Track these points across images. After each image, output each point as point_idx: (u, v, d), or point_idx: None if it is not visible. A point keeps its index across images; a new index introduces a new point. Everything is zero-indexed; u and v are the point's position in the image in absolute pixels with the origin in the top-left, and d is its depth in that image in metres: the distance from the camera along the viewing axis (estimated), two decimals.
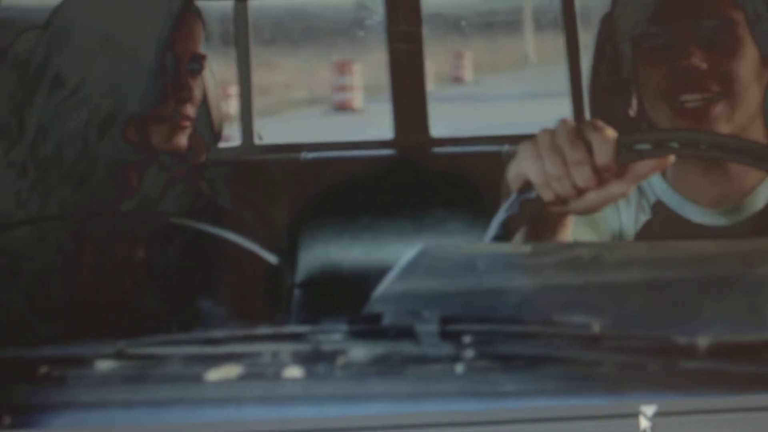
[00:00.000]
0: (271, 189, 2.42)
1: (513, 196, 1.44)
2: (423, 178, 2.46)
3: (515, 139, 2.54)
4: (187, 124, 2.04)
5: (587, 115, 2.31)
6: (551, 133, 1.45)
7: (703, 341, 1.02)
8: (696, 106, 1.78)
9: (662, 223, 1.83)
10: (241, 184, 2.39)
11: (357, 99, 11.98)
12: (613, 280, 1.21)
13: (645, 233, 1.83)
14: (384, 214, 2.37)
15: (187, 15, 2.07)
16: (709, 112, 1.78)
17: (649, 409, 1.00)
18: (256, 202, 2.37)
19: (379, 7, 2.66)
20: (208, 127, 2.27)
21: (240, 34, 2.69)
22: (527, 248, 1.38)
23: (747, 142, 1.48)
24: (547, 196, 1.44)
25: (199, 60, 2.06)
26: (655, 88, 1.83)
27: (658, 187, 1.88)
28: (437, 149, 2.60)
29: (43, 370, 1.10)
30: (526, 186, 1.44)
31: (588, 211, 1.48)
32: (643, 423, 0.99)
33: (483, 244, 1.44)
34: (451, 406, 1.02)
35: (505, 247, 1.40)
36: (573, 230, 1.80)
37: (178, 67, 2.04)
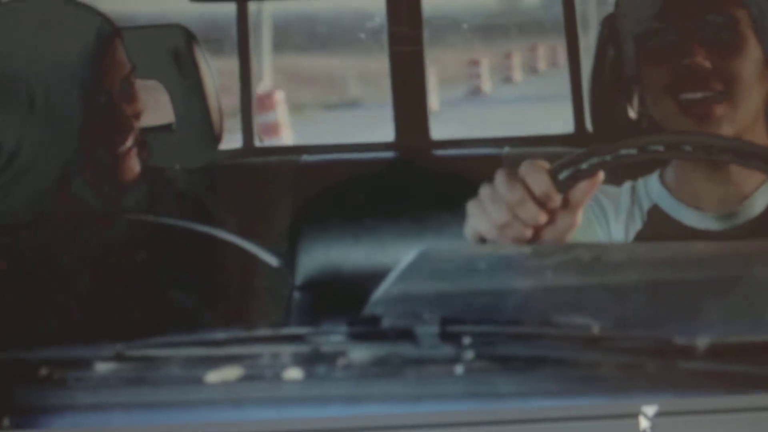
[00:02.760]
0: (271, 191, 2.42)
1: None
2: (424, 180, 2.46)
3: (515, 142, 2.55)
4: (134, 152, 2.00)
5: (588, 118, 2.32)
6: (490, 186, 1.48)
7: (702, 342, 1.02)
8: (699, 104, 1.78)
9: (656, 229, 1.83)
10: (241, 186, 2.39)
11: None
12: (612, 281, 1.21)
13: (638, 241, 1.84)
14: (384, 216, 2.37)
15: (106, 44, 2.01)
16: (713, 111, 1.78)
17: (649, 410, 1.00)
18: (256, 204, 2.37)
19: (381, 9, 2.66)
20: (208, 129, 2.27)
21: (241, 37, 2.69)
22: (527, 250, 1.39)
23: (732, 142, 1.48)
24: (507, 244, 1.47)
25: (128, 80, 2.00)
26: (658, 86, 1.83)
27: (655, 192, 1.88)
28: (438, 152, 2.60)
29: (43, 371, 1.10)
30: (483, 240, 1.47)
31: (563, 234, 1.49)
32: (643, 423, 0.99)
33: (483, 246, 1.44)
34: (450, 407, 1.02)
35: (505, 249, 1.40)
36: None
37: (111, 101, 1.99)
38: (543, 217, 1.45)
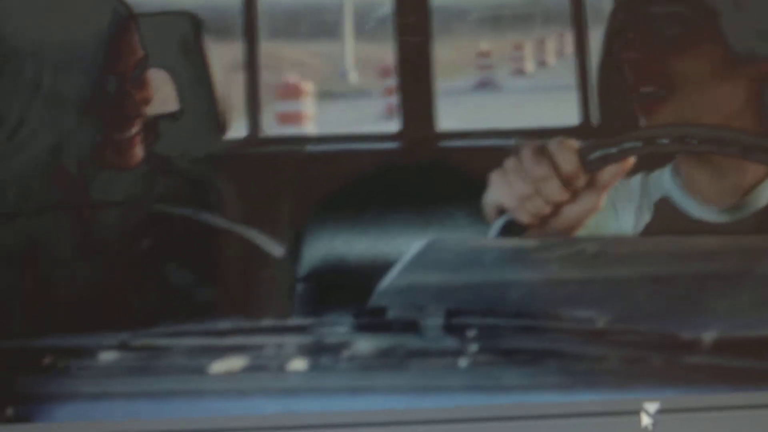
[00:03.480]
0: (276, 181, 2.42)
1: (493, 227, 1.47)
2: (429, 171, 2.46)
3: (522, 134, 2.54)
4: (138, 139, 2.01)
5: (595, 111, 2.32)
6: (516, 158, 1.48)
7: (707, 337, 1.02)
8: (648, 100, 1.79)
9: (664, 221, 1.83)
10: (246, 176, 2.39)
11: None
12: (617, 275, 1.21)
13: (647, 233, 1.84)
14: (389, 207, 2.37)
15: (121, 28, 2.01)
16: (658, 108, 1.78)
17: (651, 406, 1.00)
18: (261, 194, 2.37)
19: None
20: (214, 119, 2.27)
21: (248, 26, 2.69)
22: (532, 243, 1.38)
23: (738, 135, 1.48)
24: (523, 217, 1.47)
25: (141, 65, 2.02)
26: (628, 80, 1.84)
27: (666, 183, 1.88)
28: (444, 143, 2.60)
29: (47, 360, 1.10)
30: (502, 213, 1.47)
31: (567, 230, 1.49)
32: (645, 420, 0.99)
33: (488, 239, 1.44)
34: (454, 399, 1.02)
35: (510, 242, 1.40)
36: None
37: (122, 86, 1.99)
38: (564, 195, 1.45)
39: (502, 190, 1.48)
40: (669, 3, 1.79)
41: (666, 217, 1.82)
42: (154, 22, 2.16)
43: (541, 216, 1.46)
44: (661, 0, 1.79)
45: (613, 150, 1.45)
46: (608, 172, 1.47)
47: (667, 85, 1.78)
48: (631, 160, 1.48)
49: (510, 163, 1.49)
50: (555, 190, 1.45)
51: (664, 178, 1.88)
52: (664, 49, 1.78)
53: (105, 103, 1.95)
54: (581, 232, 1.80)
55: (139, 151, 1.99)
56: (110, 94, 1.96)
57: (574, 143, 1.49)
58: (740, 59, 1.79)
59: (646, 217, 1.85)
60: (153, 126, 2.06)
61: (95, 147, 1.96)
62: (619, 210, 1.86)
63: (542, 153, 1.48)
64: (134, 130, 1.98)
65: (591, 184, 1.47)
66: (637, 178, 1.89)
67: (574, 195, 1.47)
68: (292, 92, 11.02)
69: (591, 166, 1.46)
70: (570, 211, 1.47)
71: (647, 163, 1.88)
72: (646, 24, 1.79)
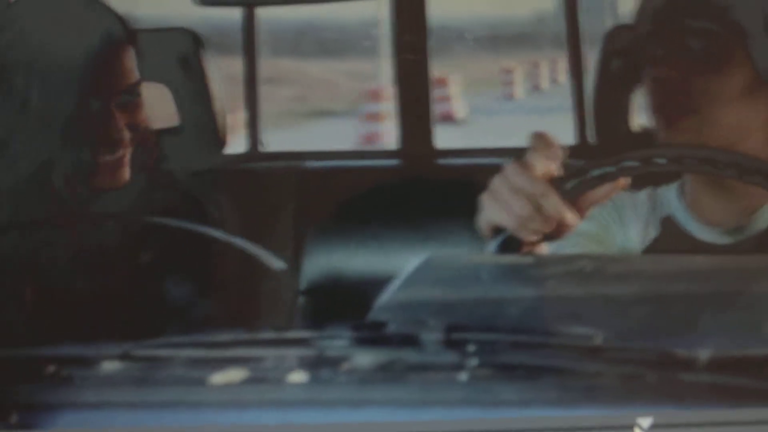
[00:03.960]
0: (275, 196, 2.44)
1: (491, 243, 1.48)
2: (427, 188, 2.47)
3: (518, 152, 2.55)
4: (125, 161, 2.00)
5: (590, 130, 2.33)
6: (504, 177, 1.49)
7: (703, 354, 1.03)
8: (671, 117, 1.80)
9: (668, 239, 1.84)
10: (245, 191, 2.40)
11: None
12: (614, 292, 1.22)
13: (652, 250, 1.84)
14: (388, 223, 2.38)
15: (112, 49, 2.00)
16: (680, 122, 1.79)
17: (645, 421, 1.01)
18: (261, 208, 2.38)
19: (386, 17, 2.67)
20: (213, 134, 2.28)
21: (248, 43, 2.70)
22: (531, 260, 1.40)
23: (735, 157, 1.50)
24: (525, 235, 1.48)
25: (132, 91, 1.96)
26: (646, 93, 1.84)
27: (672, 202, 1.89)
28: (442, 160, 2.62)
29: (51, 369, 1.11)
30: (498, 230, 1.47)
31: (554, 239, 1.50)
32: None
33: (487, 255, 1.45)
34: (453, 413, 1.03)
35: (508, 258, 1.41)
36: (580, 247, 1.81)
37: (106, 108, 1.98)
38: (564, 210, 1.46)
39: (499, 213, 1.49)
40: (700, 18, 1.79)
41: (670, 236, 1.83)
42: (154, 37, 2.17)
43: (541, 231, 1.46)
44: (691, 20, 1.79)
45: (612, 168, 1.46)
46: (600, 190, 1.48)
47: (691, 100, 1.78)
48: (623, 181, 1.49)
49: (497, 182, 1.50)
50: (556, 205, 1.46)
51: (670, 195, 1.89)
52: (692, 66, 1.79)
53: (89, 125, 1.95)
54: (580, 246, 1.81)
55: (125, 173, 1.98)
56: (95, 116, 1.95)
57: (553, 150, 1.50)
58: (765, 83, 1.80)
59: (653, 233, 1.86)
60: (156, 142, 2.07)
61: (82, 166, 1.96)
62: (626, 223, 1.87)
63: (527, 167, 1.49)
64: (120, 152, 1.97)
65: (583, 199, 1.49)
66: (645, 193, 1.90)
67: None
68: (378, 96, 11.45)
69: (569, 195, 1.47)
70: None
71: (655, 179, 1.89)
72: (675, 39, 1.80)
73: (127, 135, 1.98)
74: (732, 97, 1.79)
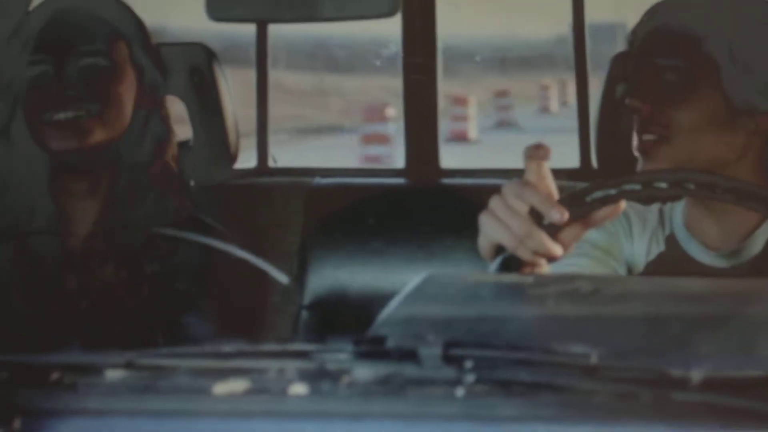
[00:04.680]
0: (283, 211, 2.45)
1: (492, 264, 1.49)
2: (432, 207, 2.49)
3: (522, 173, 2.56)
4: (83, 124, 2.01)
5: (593, 155, 2.35)
6: (501, 197, 1.51)
7: (697, 374, 1.04)
8: (646, 145, 1.83)
9: (672, 258, 1.86)
10: (253, 205, 2.42)
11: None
12: (611, 312, 1.23)
13: (656, 265, 1.86)
14: (392, 241, 2.40)
15: (62, 18, 2.04)
16: (656, 151, 1.82)
17: None
18: (267, 223, 2.40)
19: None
20: (224, 148, 2.29)
21: (260, 59, 2.72)
22: (530, 279, 1.41)
23: (735, 183, 1.51)
24: (525, 255, 1.50)
25: (89, 54, 2.02)
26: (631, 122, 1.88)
27: (675, 221, 1.91)
28: (447, 180, 2.63)
29: (55, 376, 1.12)
30: (500, 250, 1.49)
31: (553, 259, 1.52)
32: None
33: (487, 273, 1.47)
34: (450, 428, 1.05)
35: (508, 277, 1.43)
36: (589, 257, 1.83)
37: (61, 63, 2.00)
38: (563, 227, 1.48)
39: (499, 233, 1.50)
40: (672, 56, 1.83)
41: (673, 254, 1.86)
42: (168, 51, 2.19)
43: (543, 253, 1.48)
44: (665, 52, 1.83)
45: (613, 191, 1.48)
46: (602, 211, 1.50)
47: (666, 131, 1.81)
48: (623, 204, 1.51)
49: (497, 203, 1.52)
50: (540, 240, 1.48)
51: (675, 214, 1.91)
52: (666, 98, 1.82)
53: (39, 83, 1.98)
54: (588, 255, 1.83)
55: (85, 137, 2.01)
56: (44, 76, 1.99)
57: (544, 178, 1.52)
58: (739, 112, 1.82)
59: (658, 249, 1.88)
60: (176, 154, 2.09)
61: (33, 125, 1.99)
62: (634, 236, 1.89)
63: (526, 185, 1.51)
64: (70, 113, 2.00)
65: (582, 220, 1.50)
66: (656, 207, 1.92)
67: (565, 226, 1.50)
68: (379, 116, 11.44)
69: (590, 207, 1.48)
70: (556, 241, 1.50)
71: (663, 198, 1.91)
72: (650, 74, 1.83)
73: (87, 97, 2.00)
74: (703, 127, 1.82)
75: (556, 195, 1.52)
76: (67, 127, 2.01)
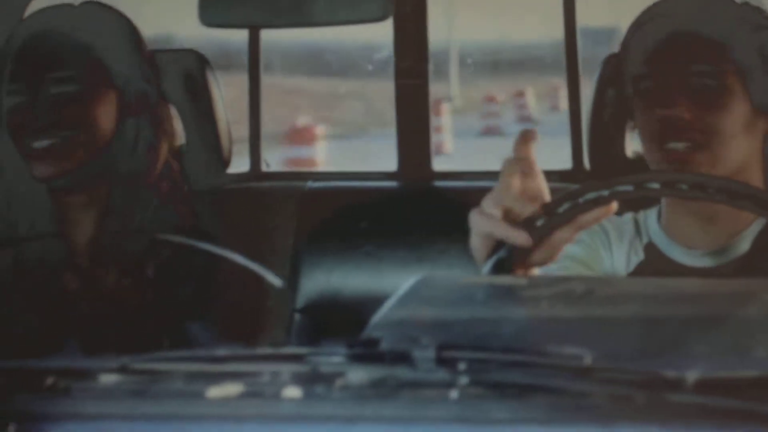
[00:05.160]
0: (275, 215, 2.45)
1: (485, 266, 1.49)
2: (424, 210, 2.49)
3: None
4: (57, 152, 2.02)
5: (585, 157, 2.35)
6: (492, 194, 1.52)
7: (691, 376, 1.04)
8: (680, 153, 1.82)
9: (653, 265, 1.86)
10: (246, 209, 2.42)
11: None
12: (604, 314, 1.24)
13: (637, 275, 1.86)
14: (385, 244, 2.40)
15: (34, 43, 2.05)
16: (693, 160, 1.81)
17: None
18: (260, 227, 2.40)
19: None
20: (217, 153, 2.29)
21: (252, 63, 2.72)
22: (523, 281, 1.41)
23: (727, 183, 1.52)
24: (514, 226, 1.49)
25: (60, 82, 2.02)
26: (646, 131, 1.86)
27: (651, 228, 1.91)
28: (439, 183, 2.63)
29: (49, 381, 1.12)
30: (493, 251, 1.49)
31: (545, 260, 1.52)
32: None
33: (481, 276, 1.47)
34: (444, 430, 1.05)
35: (501, 279, 1.43)
36: (568, 270, 1.83)
37: (34, 92, 2.02)
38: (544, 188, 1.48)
39: (485, 222, 1.50)
40: (701, 61, 1.82)
41: (654, 262, 1.85)
42: (161, 58, 2.20)
43: (526, 216, 1.48)
44: (694, 57, 1.82)
45: (606, 192, 1.48)
46: (594, 213, 1.50)
47: (702, 137, 1.80)
48: (615, 205, 1.51)
49: (485, 201, 1.52)
50: (536, 183, 1.48)
51: (650, 221, 1.91)
52: (699, 104, 1.81)
53: (17, 112, 1.99)
54: (569, 269, 1.83)
55: (60, 164, 2.01)
56: (20, 103, 2.00)
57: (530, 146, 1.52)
58: (759, 114, 1.83)
59: (637, 258, 1.88)
60: (177, 163, 2.09)
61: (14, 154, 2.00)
62: (613, 248, 1.89)
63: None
64: (46, 142, 2.01)
65: (571, 221, 1.50)
66: (629, 217, 1.92)
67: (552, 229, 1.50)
68: (305, 137, 10.91)
69: (581, 209, 1.48)
70: (548, 243, 1.50)
71: (634, 205, 1.91)
72: (680, 79, 1.82)
73: (61, 124, 2.01)
74: (736, 132, 1.82)
75: (546, 193, 1.52)
76: (45, 155, 2.02)
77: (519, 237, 1.46)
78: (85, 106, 2.04)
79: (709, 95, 1.83)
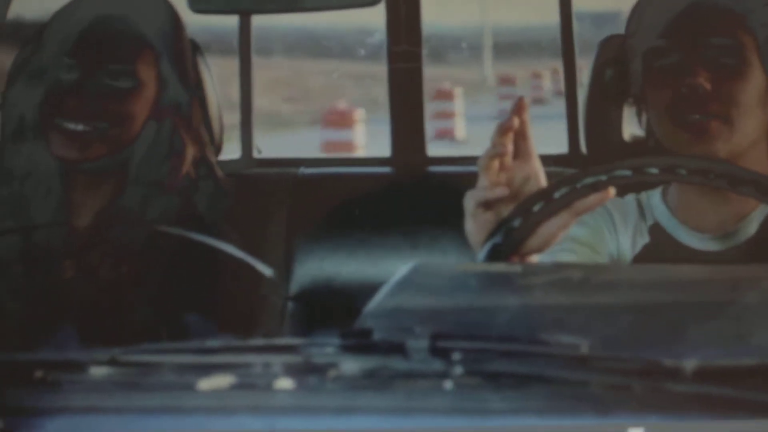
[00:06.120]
0: (268, 202, 2.44)
1: (480, 253, 1.49)
2: (419, 196, 2.48)
3: None
4: (90, 138, 2.03)
5: (582, 139, 2.34)
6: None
7: (689, 364, 1.03)
8: (697, 124, 1.81)
9: (659, 247, 1.85)
10: (238, 197, 2.40)
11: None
12: (601, 301, 1.22)
13: (643, 257, 1.85)
14: (379, 231, 2.39)
15: (100, 28, 2.06)
16: (710, 130, 1.80)
17: (636, 431, 1.01)
18: (253, 215, 2.39)
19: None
20: (209, 140, 2.28)
21: (243, 49, 2.70)
22: (518, 268, 1.40)
23: (728, 167, 1.50)
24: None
25: (115, 74, 2.04)
26: (660, 105, 1.85)
27: (657, 209, 1.90)
28: (433, 168, 2.62)
29: (38, 374, 1.11)
30: (488, 237, 1.48)
31: (542, 246, 1.51)
32: None
33: (475, 263, 1.46)
34: (439, 421, 1.04)
35: (496, 267, 1.42)
36: (572, 253, 1.82)
37: (87, 76, 2.02)
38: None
39: (476, 194, 1.50)
40: (722, 34, 1.81)
41: (660, 243, 1.84)
42: None
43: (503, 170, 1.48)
44: (714, 30, 1.81)
45: (604, 177, 1.47)
46: (592, 198, 1.49)
47: (727, 110, 1.80)
48: (612, 190, 1.50)
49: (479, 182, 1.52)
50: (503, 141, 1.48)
51: (655, 202, 1.90)
52: (723, 77, 1.81)
53: (63, 90, 2.00)
54: (573, 251, 1.81)
55: (91, 150, 2.02)
56: (69, 83, 2.01)
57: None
58: None
59: (642, 240, 1.87)
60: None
61: (46, 129, 2.01)
62: (618, 229, 1.87)
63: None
64: (81, 126, 2.02)
65: (568, 207, 1.49)
66: (631, 198, 1.91)
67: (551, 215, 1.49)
68: (343, 121, 10.87)
69: (579, 194, 1.47)
70: (544, 229, 1.49)
71: (636, 186, 1.90)
72: (702, 52, 1.81)
73: (101, 115, 2.02)
74: (754, 105, 1.82)
75: (542, 176, 1.50)
76: (74, 137, 2.03)
77: (498, 191, 1.47)
78: (129, 104, 2.05)
79: (728, 66, 1.82)
